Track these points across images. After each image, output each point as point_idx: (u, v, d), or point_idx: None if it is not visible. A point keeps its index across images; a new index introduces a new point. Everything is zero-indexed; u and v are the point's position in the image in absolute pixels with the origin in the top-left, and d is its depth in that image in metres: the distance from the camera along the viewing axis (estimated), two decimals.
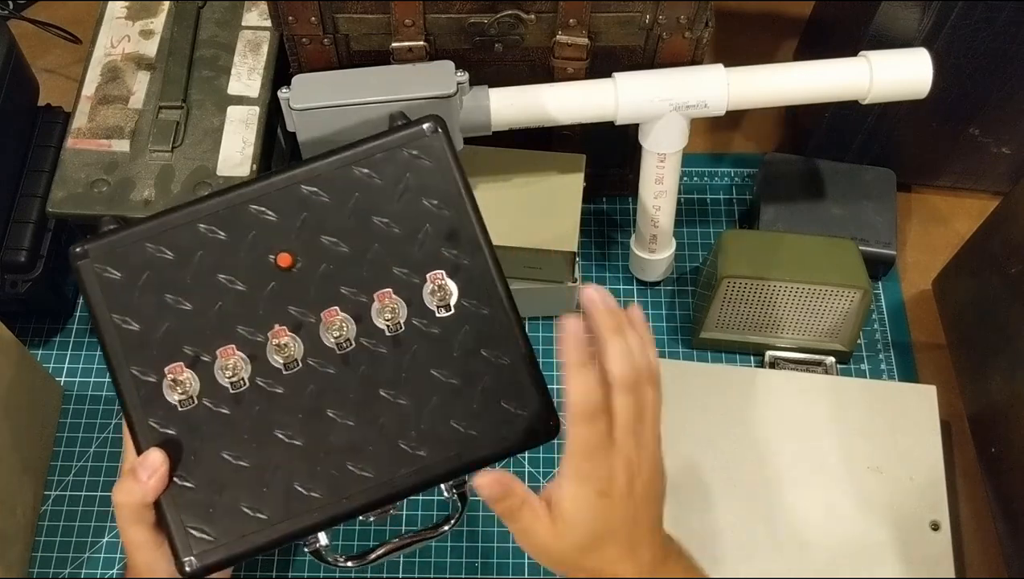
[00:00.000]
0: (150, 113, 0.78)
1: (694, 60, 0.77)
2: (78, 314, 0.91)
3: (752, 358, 0.88)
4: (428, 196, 0.57)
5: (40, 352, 0.89)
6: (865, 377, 0.87)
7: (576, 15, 0.73)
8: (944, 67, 0.78)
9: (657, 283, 0.92)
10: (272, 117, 0.80)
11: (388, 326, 0.56)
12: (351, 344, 0.56)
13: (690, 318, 0.90)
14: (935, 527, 0.74)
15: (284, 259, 0.56)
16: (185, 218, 0.56)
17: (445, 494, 0.58)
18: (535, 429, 0.56)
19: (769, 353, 0.85)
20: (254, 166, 0.76)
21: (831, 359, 0.84)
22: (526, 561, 0.79)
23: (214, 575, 0.56)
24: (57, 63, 1.01)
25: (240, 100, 0.79)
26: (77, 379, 0.87)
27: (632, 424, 0.52)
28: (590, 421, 0.52)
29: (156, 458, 0.54)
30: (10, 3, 0.99)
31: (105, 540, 0.80)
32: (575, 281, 0.84)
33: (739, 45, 1.00)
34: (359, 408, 0.56)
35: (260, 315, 0.56)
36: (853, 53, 0.75)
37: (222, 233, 0.56)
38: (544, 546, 0.54)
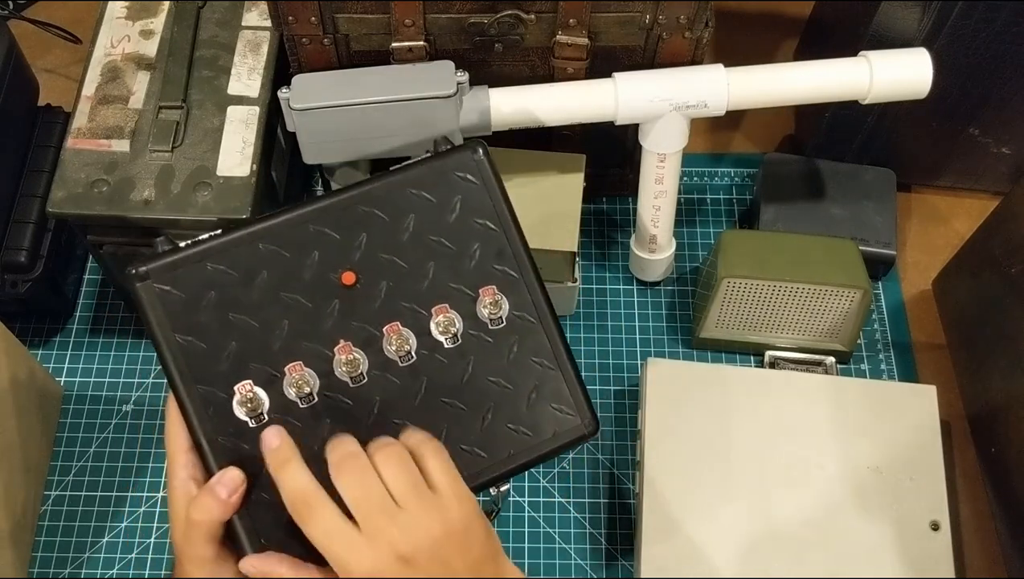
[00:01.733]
0: (150, 113, 0.78)
1: (694, 60, 0.77)
2: (78, 314, 0.91)
3: (752, 358, 0.88)
4: (477, 216, 0.60)
5: (40, 352, 0.89)
6: (865, 377, 0.87)
7: (576, 15, 0.73)
8: (944, 67, 0.78)
9: (657, 283, 0.92)
10: (272, 117, 0.80)
11: (447, 338, 0.59)
12: (413, 357, 0.58)
13: (690, 318, 0.90)
14: (935, 527, 0.74)
15: (348, 277, 0.58)
16: (246, 239, 0.58)
17: (492, 491, 0.61)
18: (579, 429, 0.60)
19: (769, 353, 0.85)
20: (254, 166, 0.76)
21: (831, 359, 0.84)
22: (526, 561, 0.79)
23: None
24: (57, 63, 1.01)
25: (240, 100, 0.79)
26: (77, 379, 0.87)
27: (361, 495, 0.52)
28: (310, 510, 0.51)
29: (237, 476, 0.54)
30: (10, 3, 0.99)
31: (105, 540, 0.80)
32: (575, 281, 0.84)
33: (739, 45, 1.00)
34: (423, 416, 0.58)
35: (326, 331, 0.58)
36: (853, 53, 0.75)
37: (285, 252, 0.58)
38: None
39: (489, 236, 0.60)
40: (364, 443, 0.55)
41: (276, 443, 0.54)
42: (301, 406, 0.57)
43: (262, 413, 0.56)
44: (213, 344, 0.56)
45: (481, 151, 0.61)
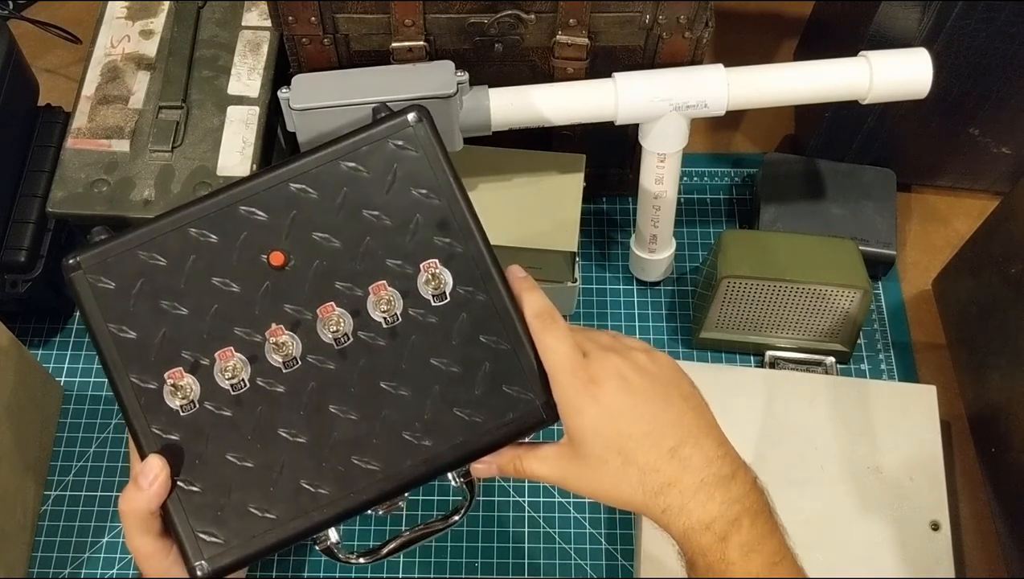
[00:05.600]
0: (150, 113, 0.78)
1: (694, 60, 0.77)
2: (78, 314, 0.91)
3: (752, 358, 0.88)
4: (417, 186, 0.58)
5: (40, 352, 0.89)
6: (865, 377, 0.87)
7: (576, 15, 0.73)
8: (944, 67, 0.78)
9: (657, 283, 0.92)
10: (272, 117, 0.80)
11: (385, 318, 0.57)
12: (349, 338, 0.56)
13: (690, 318, 0.90)
14: (935, 527, 0.74)
15: (277, 258, 0.56)
16: (175, 223, 0.56)
17: (453, 483, 0.58)
18: (538, 412, 0.56)
19: (769, 353, 0.85)
20: (254, 166, 0.76)
21: (831, 359, 0.84)
22: (526, 561, 0.79)
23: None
24: (57, 63, 1.01)
25: (240, 100, 0.79)
26: (77, 379, 0.87)
27: (595, 331, 0.57)
28: (553, 321, 0.55)
29: (155, 464, 0.54)
30: (10, 3, 0.99)
31: (105, 540, 0.80)
32: (575, 281, 0.84)
33: (739, 45, 1.00)
34: (361, 402, 0.56)
35: (256, 315, 0.56)
36: (853, 53, 0.75)
37: (213, 236, 0.56)
38: (576, 480, 0.54)
39: (430, 207, 0.57)
40: (297, 431, 0.55)
41: (523, 274, 0.58)
42: (232, 393, 0.55)
43: (193, 401, 0.55)
44: (143, 332, 0.55)
45: (421, 116, 0.58)
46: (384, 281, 0.56)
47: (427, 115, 0.58)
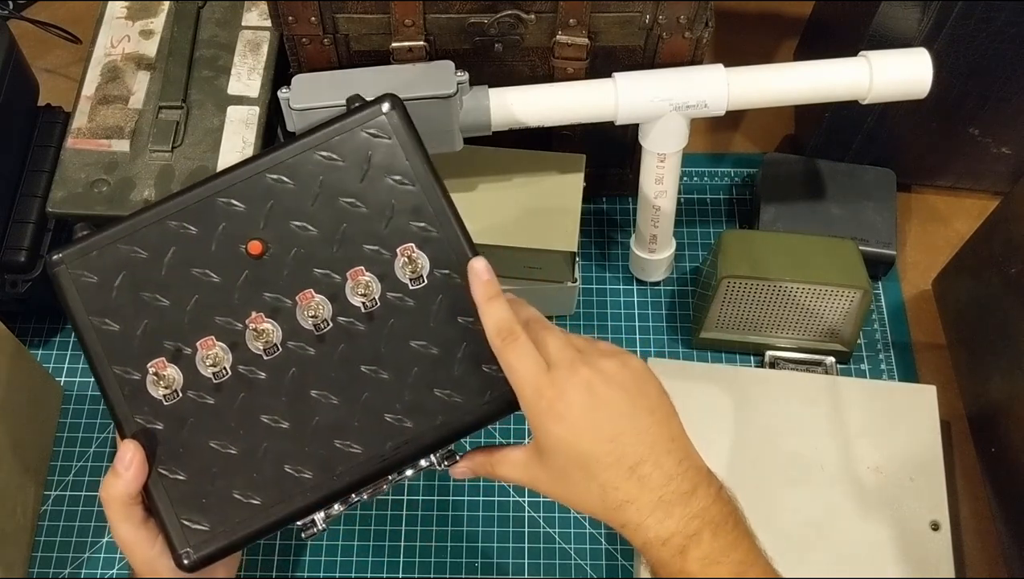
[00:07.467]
0: (150, 113, 0.78)
1: (694, 60, 0.77)
2: None
3: (752, 358, 0.88)
4: (391, 173, 0.59)
5: (40, 352, 0.89)
6: (865, 377, 0.87)
7: (576, 15, 0.73)
8: (944, 67, 0.78)
9: (657, 283, 0.92)
10: (272, 117, 0.80)
11: (364, 303, 0.57)
12: (328, 324, 0.57)
13: (690, 318, 0.90)
14: (935, 527, 0.74)
15: (255, 247, 0.57)
16: (155, 217, 0.58)
17: (436, 466, 0.59)
18: None
19: (769, 353, 0.85)
20: None
21: (831, 359, 0.84)
22: (526, 561, 0.79)
23: (215, 573, 0.56)
24: (57, 63, 1.01)
25: (240, 100, 0.79)
26: (77, 379, 0.87)
27: (553, 345, 0.55)
28: (514, 339, 0.54)
29: (129, 448, 0.54)
30: (10, 3, 0.99)
31: (105, 540, 0.80)
32: (575, 281, 0.84)
33: (739, 45, 1.00)
34: (342, 386, 0.57)
35: (236, 304, 0.57)
36: (853, 53, 0.75)
37: (192, 227, 0.57)
38: (543, 485, 0.55)
39: (405, 194, 0.58)
40: (279, 416, 0.56)
41: (486, 277, 0.56)
42: (214, 381, 0.56)
43: (176, 390, 0.56)
44: (126, 324, 0.56)
45: (393, 105, 0.59)
46: (362, 266, 0.57)
47: (400, 104, 0.59)
